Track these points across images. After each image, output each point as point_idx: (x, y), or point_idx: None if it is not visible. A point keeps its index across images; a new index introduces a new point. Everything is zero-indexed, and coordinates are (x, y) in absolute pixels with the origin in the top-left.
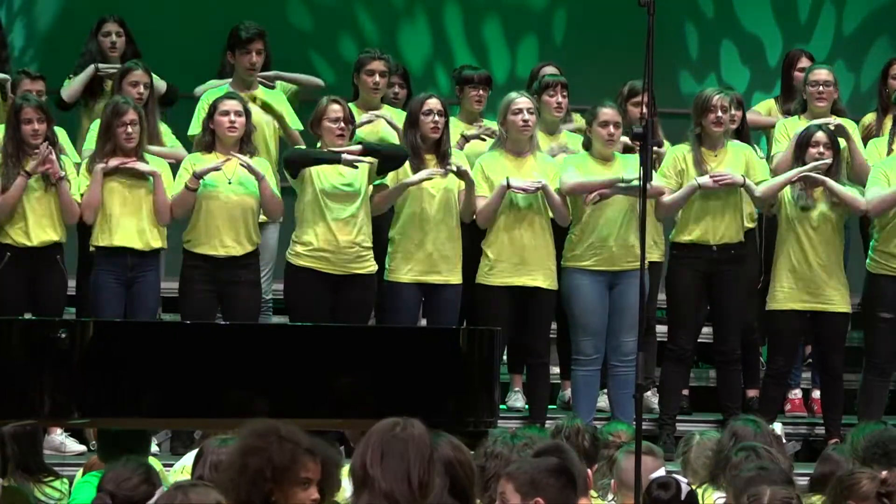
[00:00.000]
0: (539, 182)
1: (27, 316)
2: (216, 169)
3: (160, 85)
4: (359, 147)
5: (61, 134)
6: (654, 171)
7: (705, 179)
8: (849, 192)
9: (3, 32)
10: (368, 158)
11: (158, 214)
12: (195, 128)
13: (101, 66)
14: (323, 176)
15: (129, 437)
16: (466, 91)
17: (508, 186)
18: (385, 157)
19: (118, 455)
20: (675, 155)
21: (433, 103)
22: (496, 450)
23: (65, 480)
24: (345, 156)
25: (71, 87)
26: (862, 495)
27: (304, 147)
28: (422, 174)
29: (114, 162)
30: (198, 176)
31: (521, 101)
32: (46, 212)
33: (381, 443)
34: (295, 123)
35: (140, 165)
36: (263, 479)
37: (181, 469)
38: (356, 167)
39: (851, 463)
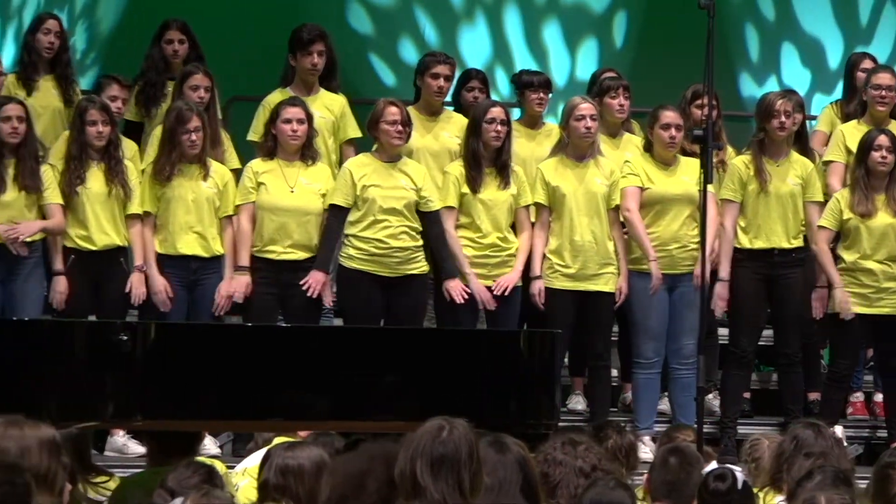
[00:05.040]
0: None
1: (91, 318)
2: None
3: None
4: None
5: (130, 146)
6: (715, 174)
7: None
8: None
9: (66, 35)
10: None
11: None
12: (255, 132)
13: None
14: (377, 191)
15: (178, 439)
16: (527, 95)
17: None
18: None
19: (168, 458)
20: (738, 166)
21: (497, 111)
22: (557, 456)
23: (117, 479)
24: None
25: None
26: None
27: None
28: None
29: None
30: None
31: (585, 107)
32: (109, 216)
33: (430, 450)
34: (354, 130)
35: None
36: None
37: (243, 471)
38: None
39: None
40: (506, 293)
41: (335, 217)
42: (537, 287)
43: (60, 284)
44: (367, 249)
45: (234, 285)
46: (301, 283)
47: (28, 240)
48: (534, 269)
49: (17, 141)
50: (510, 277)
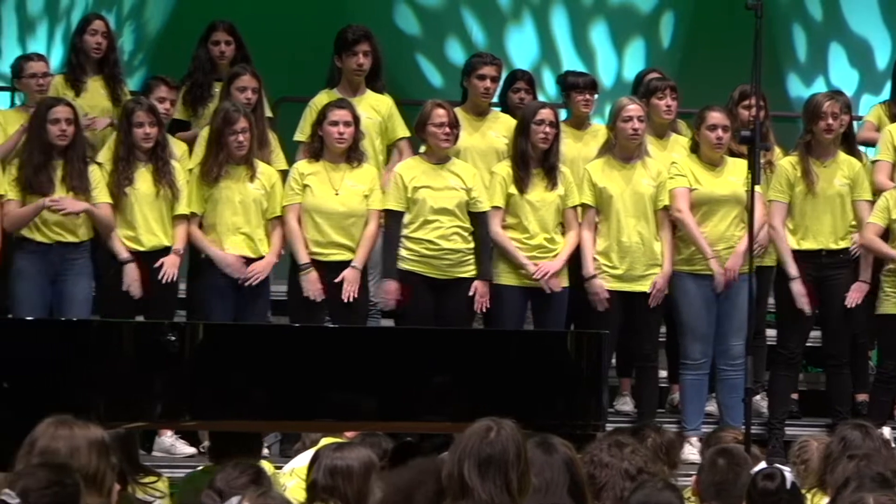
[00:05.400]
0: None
1: (138, 319)
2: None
3: None
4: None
5: (179, 146)
6: (762, 175)
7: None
8: None
9: (113, 36)
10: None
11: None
12: (302, 133)
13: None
14: (427, 192)
15: (240, 439)
16: (573, 97)
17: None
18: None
19: (228, 457)
20: (785, 167)
21: (546, 113)
22: (603, 458)
23: (165, 479)
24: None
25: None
26: None
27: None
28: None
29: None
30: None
31: (632, 108)
32: (157, 216)
33: (478, 450)
34: (403, 129)
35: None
36: None
37: (290, 471)
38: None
39: None
40: (545, 278)
41: (392, 221)
42: (597, 285)
43: (132, 272)
44: (419, 251)
45: (315, 286)
46: (336, 279)
47: (75, 240)
48: (587, 269)
49: (65, 143)
50: (552, 264)
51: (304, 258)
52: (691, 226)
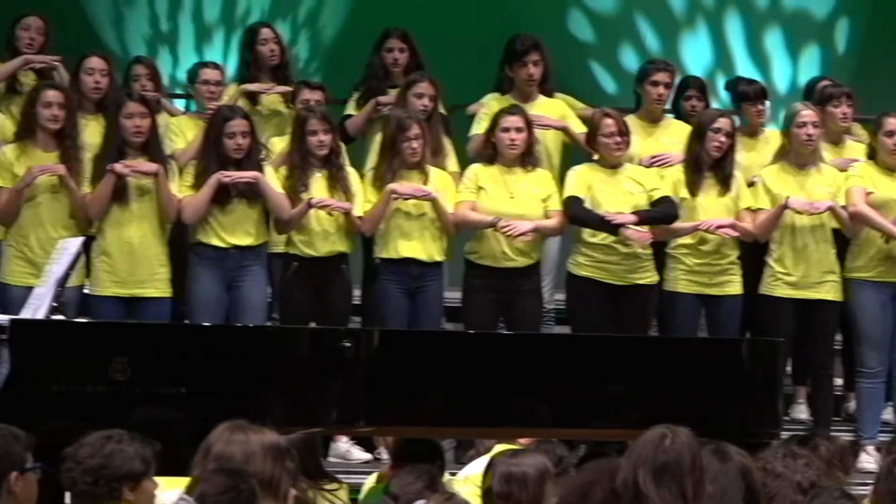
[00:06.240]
0: (828, 203)
1: (313, 325)
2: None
3: None
4: (633, 218)
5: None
6: None
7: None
8: None
9: (283, 45)
10: (644, 229)
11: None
12: (477, 128)
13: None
14: (603, 195)
15: (422, 445)
16: (745, 107)
17: (786, 206)
18: (663, 223)
19: (410, 462)
20: None
21: (724, 122)
22: (777, 468)
23: (346, 487)
24: (623, 230)
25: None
26: None
27: (588, 209)
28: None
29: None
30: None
31: (806, 113)
32: (332, 222)
33: (653, 458)
34: (580, 127)
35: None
36: None
37: (464, 478)
38: (630, 245)
39: None
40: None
41: (578, 204)
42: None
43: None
44: (596, 256)
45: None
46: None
47: (252, 243)
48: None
49: (241, 156)
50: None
51: (490, 217)
52: (870, 214)
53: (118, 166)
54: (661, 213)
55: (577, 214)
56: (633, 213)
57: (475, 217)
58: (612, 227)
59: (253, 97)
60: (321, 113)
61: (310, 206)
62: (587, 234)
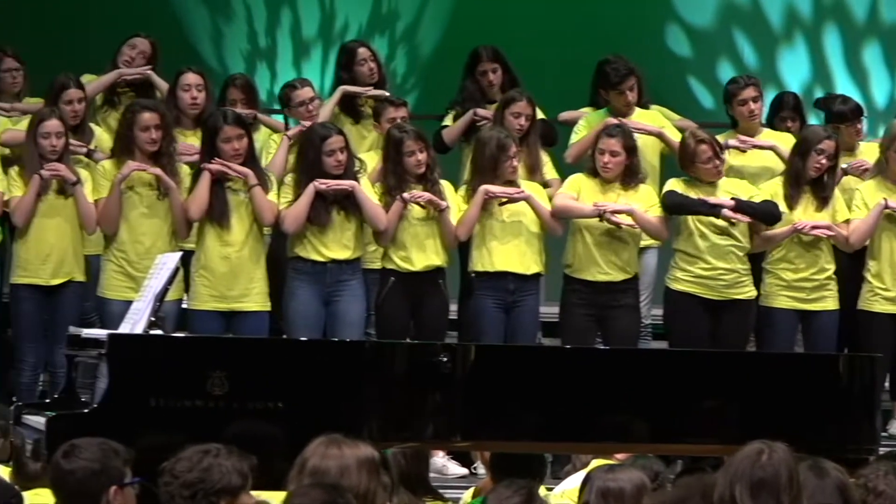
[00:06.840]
0: None
1: (409, 340)
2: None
3: None
4: (731, 202)
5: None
6: None
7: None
8: None
9: (380, 62)
10: (744, 217)
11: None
12: (575, 138)
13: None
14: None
15: (521, 459)
16: (842, 127)
17: (886, 207)
18: (761, 217)
19: (507, 476)
20: None
21: (828, 145)
22: (879, 486)
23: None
24: (724, 212)
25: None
26: None
27: (684, 195)
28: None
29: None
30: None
31: None
32: (429, 237)
33: (750, 473)
34: (676, 136)
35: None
36: None
37: (561, 493)
38: (733, 224)
39: None
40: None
41: (674, 193)
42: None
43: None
44: (694, 271)
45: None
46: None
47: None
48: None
49: (340, 172)
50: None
51: (590, 206)
52: None
53: (213, 165)
54: (759, 206)
55: (674, 200)
56: (731, 198)
57: (576, 205)
58: (711, 208)
59: (355, 116)
60: (415, 133)
61: (403, 201)
62: (682, 244)
